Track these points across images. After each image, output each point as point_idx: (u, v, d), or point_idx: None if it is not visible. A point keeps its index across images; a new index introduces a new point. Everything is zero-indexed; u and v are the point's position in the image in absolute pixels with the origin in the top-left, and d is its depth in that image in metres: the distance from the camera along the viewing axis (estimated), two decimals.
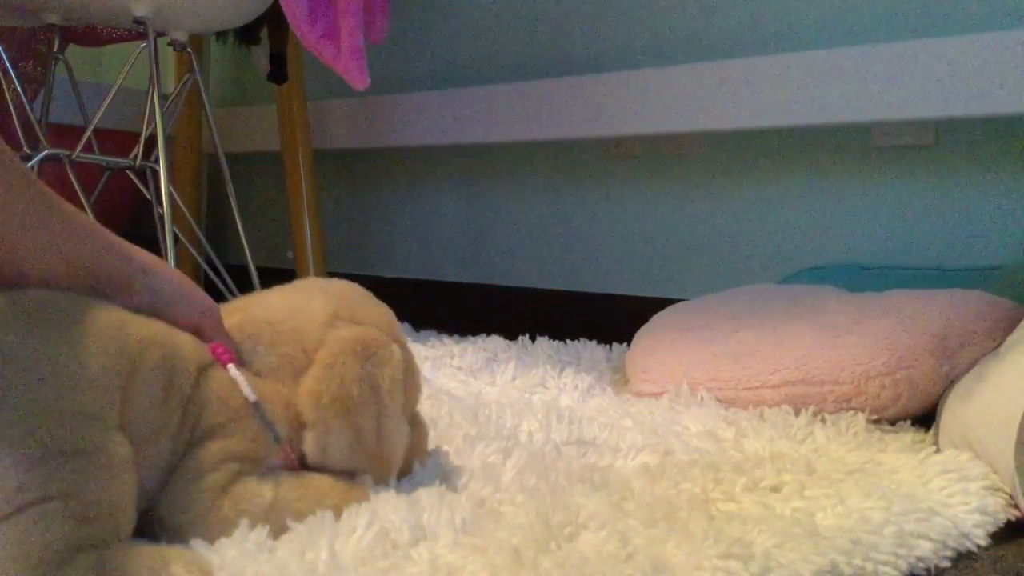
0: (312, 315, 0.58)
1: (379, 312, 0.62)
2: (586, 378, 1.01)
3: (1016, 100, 1.06)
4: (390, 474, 0.58)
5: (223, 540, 0.48)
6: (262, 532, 0.49)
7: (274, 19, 1.43)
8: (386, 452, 0.57)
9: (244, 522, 0.49)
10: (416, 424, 0.64)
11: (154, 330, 0.50)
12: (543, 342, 1.24)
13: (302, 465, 0.55)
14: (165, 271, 0.54)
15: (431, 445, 0.71)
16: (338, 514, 0.53)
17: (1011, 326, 0.85)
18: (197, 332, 0.54)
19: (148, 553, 0.44)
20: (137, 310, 0.51)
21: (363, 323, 0.59)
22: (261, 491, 0.51)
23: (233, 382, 0.53)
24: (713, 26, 1.36)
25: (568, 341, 1.24)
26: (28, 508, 0.40)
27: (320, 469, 0.56)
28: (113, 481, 0.43)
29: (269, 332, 0.57)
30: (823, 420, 0.83)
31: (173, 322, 0.53)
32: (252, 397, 0.53)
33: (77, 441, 0.42)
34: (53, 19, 1.16)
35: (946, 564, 0.56)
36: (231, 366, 0.53)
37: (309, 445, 0.54)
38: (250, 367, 0.56)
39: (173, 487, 0.49)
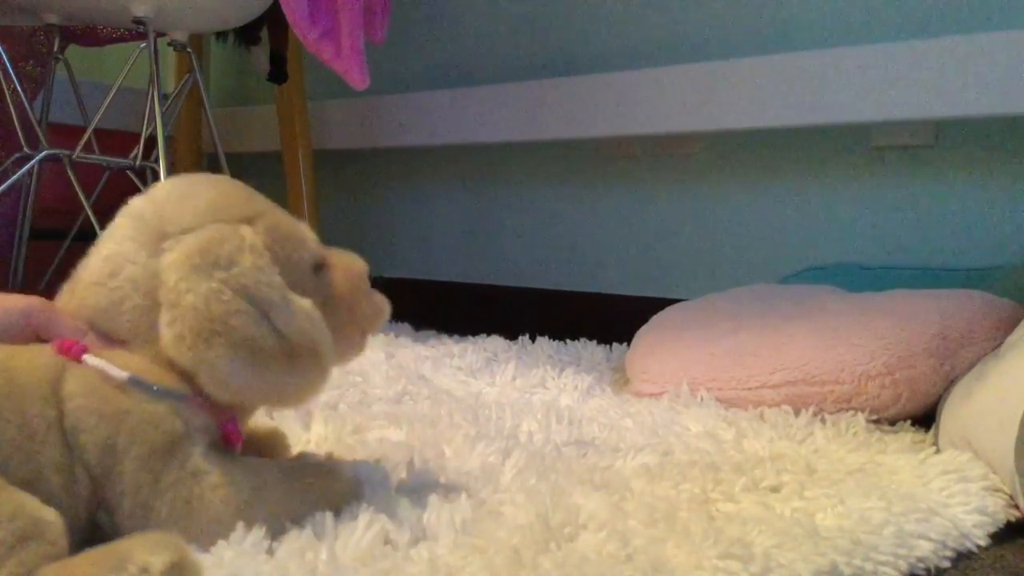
0: (132, 250, 0.50)
1: (207, 202, 0.52)
2: (586, 378, 1.01)
3: (1016, 100, 1.06)
4: (322, 356, 0.51)
5: (221, 541, 0.48)
6: (260, 533, 0.49)
7: (274, 19, 1.43)
8: (297, 341, 0.50)
9: (241, 524, 0.49)
10: (332, 279, 0.55)
11: None
12: (543, 342, 1.24)
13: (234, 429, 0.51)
14: None
15: (431, 445, 0.71)
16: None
17: (1011, 326, 0.85)
18: (36, 338, 0.49)
19: (103, 554, 0.41)
20: None
21: (193, 226, 0.50)
22: (233, 491, 0.48)
23: (95, 373, 0.47)
24: (713, 26, 1.35)
25: (568, 341, 1.24)
26: None
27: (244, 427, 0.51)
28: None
29: (101, 295, 0.50)
30: (823, 420, 0.83)
31: (6, 342, 0.48)
32: (122, 375, 0.47)
33: None
34: (53, 19, 1.16)
35: (946, 564, 0.56)
36: (85, 356, 0.47)
37: (210, 387, 0.48)
38: (114, 336, 0.50)
39: (132, 522, 0.46)
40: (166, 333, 0.48)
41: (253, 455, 0.56)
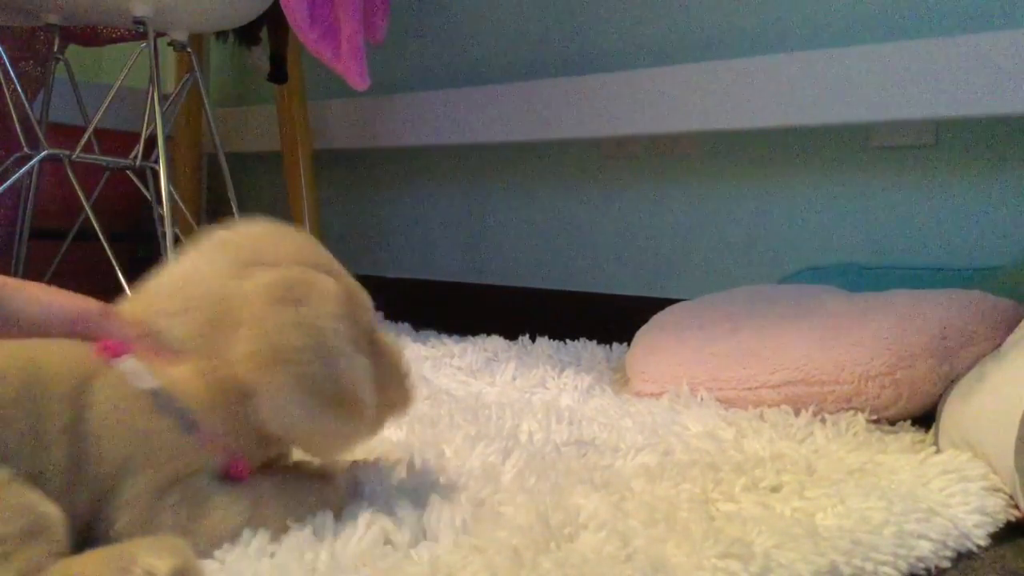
0: (217, 269, 0.52)
1: (296, 246, 0.55)
2: (586, 378, 1.01)
3: (1016, 100, 1.06)
4: (364, 415, 0.53)
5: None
6: (264, 537, 0.49)
7: (274, 19, 1.43)
8: (350, 393, 0.52)
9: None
10: (380, 354, 0.57)
11: (9, 357, 0.45)
12: (543, 342, 1.24)
13: (252, 455, 0.51)
14: (24, 291, 0.50)
15: (431, 445, 0.71)
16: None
17: (1011, 326, 0.85)
18: (83, 336, 0.50)
19: (109, 555, 0.41)
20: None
21: (279, 263, 0.53)
22: (232, 512, 0.48)
23: (125, 383, 0.47)
24: (713, 26, 1.35)
25: (568, 341, 1.24)
26: None
27: (278, 446, 0.52)
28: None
29: (175, 301, 0.52)
30: (823, 420, 0.83)
31: (47, 336, 0.49)
32: (149, 384, 0.47)
33: None
34: (53, 19, 1.16)
35: (946, 564, 0.56)
36: (123, 357, 0.48)
37: (264, 411, 0.50)
38: (171, 345, 0.51)
39: (127, 534, 0.46)
40: (240, 348, 0.50)
41: None
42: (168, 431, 0.48)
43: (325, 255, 0.57)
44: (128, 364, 0.48)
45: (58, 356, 0.47)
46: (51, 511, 0.42)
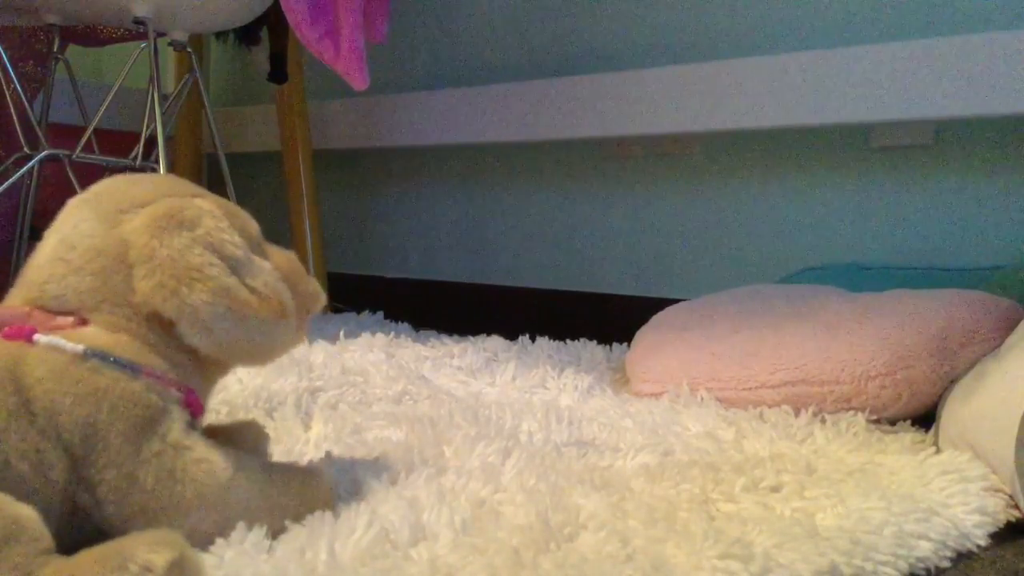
0: (91, 225, 0.51)
1: (160, 182, 0.55)
2: (586, 378, 1.01)
3: (1016, 100, 1.06)
4: (287, 313, 0.53)
5: (220, 540, 0.48)
6: (260, 532, 0.49)
7: (274, 19, 1.43)
8: (267, 292, 0.52)
9: (241, 524, 0.49)
10: (275, 262, 0.57)
11: None
12: (543, 342, 1.24)
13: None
14: None
15: (431, 445, 0.71)
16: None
17: (1011, 326, 0.85)
18: None
19: (103, 553, 0.41)
20: None
21: (149, 202, 0.52)
22: (218, 464, 0.48)
23: (51, 349, 0.47)
24: (713, 26, 1.35)
25: (568, 341, 1.24)
26: None
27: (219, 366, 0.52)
28: None
29: (60, 266, 0.51)
30: (823, 420, 0.83)
31: None
32: (77, 348, 0.47)
33: None
34: (53, 19, 1.16)
35: (946, 564, 0.56)
36: (36, 336, 0.47)
37: (191, 335, 0.50)
38: (69, 310, 0.50)
39: (115, 495, 0.46)
40: (143, 285, 0.49)
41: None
42: (118, 380, 0.47)
43: (192, 186, 0.56)
44: (45, 338, 0.47)
45: None
46: (23, 512, 0.41)
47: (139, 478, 0.46)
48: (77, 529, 0.46)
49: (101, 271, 0.50)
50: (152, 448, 0.47)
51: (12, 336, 0.47)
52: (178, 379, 0.51)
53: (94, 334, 0.49)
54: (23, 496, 0.43)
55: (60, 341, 0.47)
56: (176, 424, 0.49)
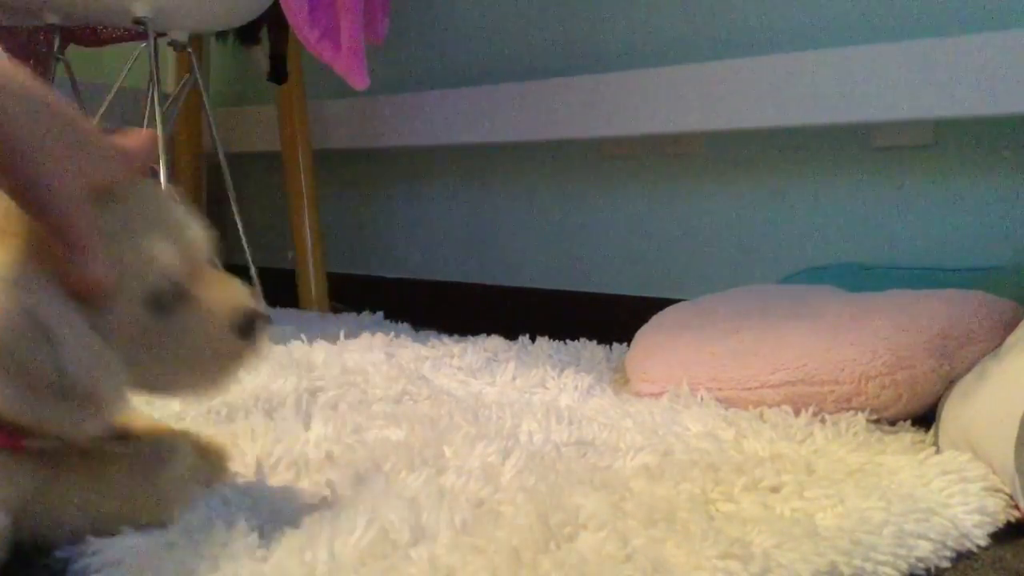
0: None
1: None
2: (586, 378, 1.01)
3: (1016, 100, 1.06)
4: (101, 406, 0.46)
5: (215, 541, 0.48)
6: (255, 534, 0.49)
7: (274, 19, 1.43)
8: (77, 384, 0.45)
9: (241, 524, 0.49)
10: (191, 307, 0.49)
11: None
12: (543, 342, 1.24)
13: None
14: None
15: (431, 445, 0.71)
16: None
17: (1011, 326, 0.85)
18: None
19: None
20: None
21: None
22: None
23: None
24: (713, 26, 1.35)
25: (568, 341, 1.24)
26: None
27: None
28: None
29: None
30: (823, 420, 0.83)
31: None
32: None
33: None
34: (53, 19, 1.16)
35: (946, 564, 0.56)
36: None
37: None
38: None
39: None
40: None
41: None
42: None
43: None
44: None
45: None
46: None
47: None
48: None
49: None
50: None
51: None
52: None
53: None
54: None
55: None
56: None
